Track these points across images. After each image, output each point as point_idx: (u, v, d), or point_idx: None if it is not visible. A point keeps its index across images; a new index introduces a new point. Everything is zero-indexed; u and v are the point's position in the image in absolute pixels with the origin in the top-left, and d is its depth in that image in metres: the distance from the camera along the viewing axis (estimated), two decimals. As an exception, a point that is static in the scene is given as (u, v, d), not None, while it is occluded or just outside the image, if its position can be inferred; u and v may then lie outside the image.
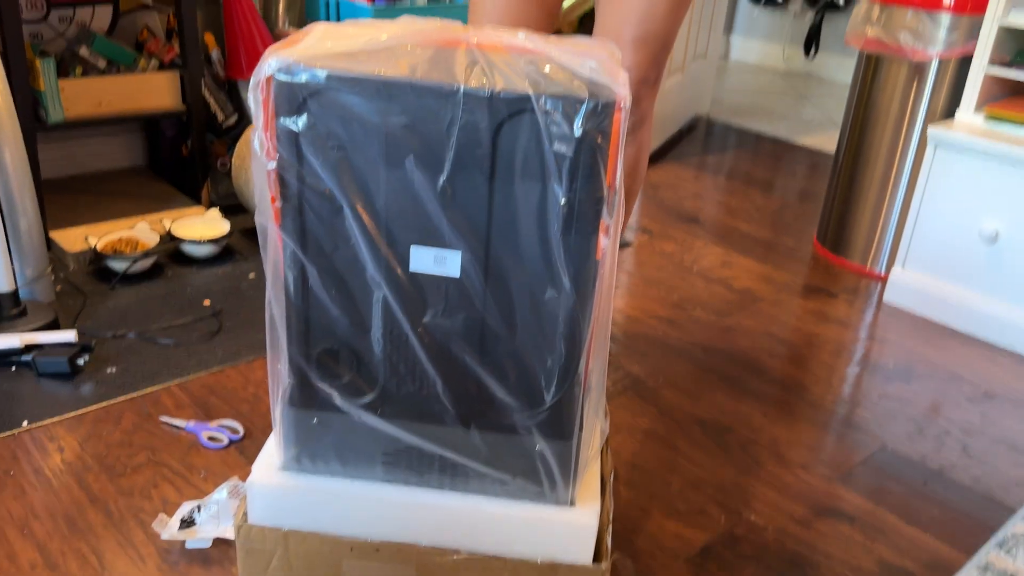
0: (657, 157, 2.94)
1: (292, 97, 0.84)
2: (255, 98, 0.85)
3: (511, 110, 0.82)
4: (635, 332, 1.79)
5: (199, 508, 1.18)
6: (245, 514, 1.05)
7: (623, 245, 2.22)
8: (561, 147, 0.83)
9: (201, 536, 1.15)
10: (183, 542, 1.15)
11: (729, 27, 4.62)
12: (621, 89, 0.83)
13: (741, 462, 1.41)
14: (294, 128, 0.85)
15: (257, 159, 0.87)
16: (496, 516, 1.01)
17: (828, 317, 1.92)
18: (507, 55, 0.87)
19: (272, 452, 1.07)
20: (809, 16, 4.26)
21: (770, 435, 1.48)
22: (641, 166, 1.47)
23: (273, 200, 0.89)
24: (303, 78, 0.83)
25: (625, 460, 1.39)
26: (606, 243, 0.90)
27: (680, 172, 2.82)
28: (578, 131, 0.82)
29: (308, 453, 1.03)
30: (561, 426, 0.98)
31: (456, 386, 0.97)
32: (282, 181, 0.88)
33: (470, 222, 0.89)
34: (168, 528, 1.15)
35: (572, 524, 1.00)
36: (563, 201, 0.86)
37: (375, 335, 0.96)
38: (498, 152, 0.85)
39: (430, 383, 0.97)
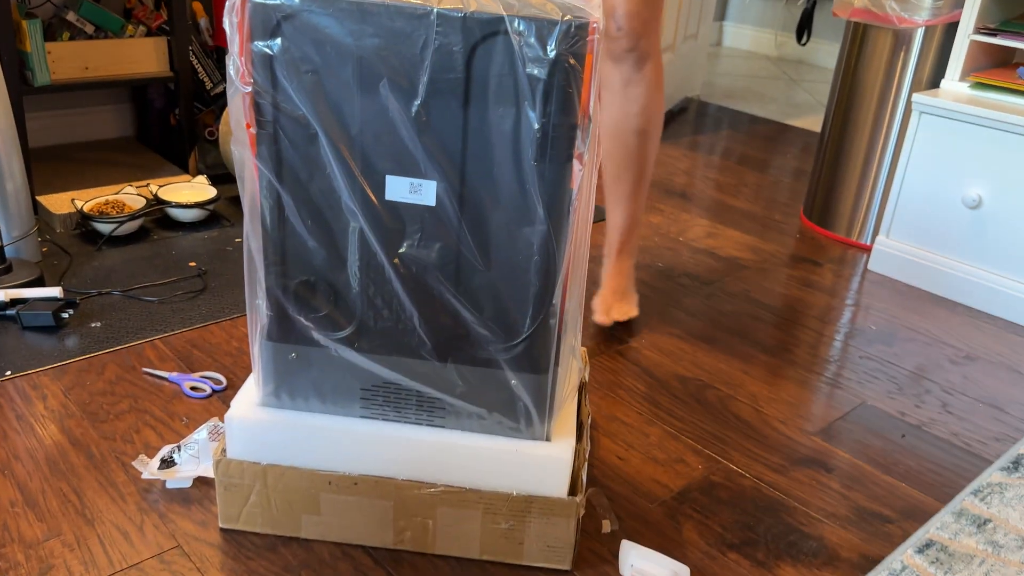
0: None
1: (267, 19, 0.84)
2: (230, 22, 0.85)
3: (484, 32, 0.83)
4: (620, 296, 1.80)
5: (179, 448, 1.18)
6: (224, 450, 1.06)
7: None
8: (534, 70, 0.84)
9: (181, 476, 1.15)
10: (163, 482, 1.16)
11: (721, 13, 4.64)
12: (595, 11, 0.83)
13: (720, 416, 1.41)
14: (268, 51, 0.86)
15: (232, 84, 0.88)
16: (472, 450, 1.02)
17: (812, 284, 1.93)
18: None
19: (251, 389, 1.08)
20: (801, 2, 4.27)
21: (750, 392, 1.49)
22: (655, 107, 1.46)
23: (248, 127, 0.90)
24: (277, 0, 0.84)
25: (605, 413, 1.40)
26: (580, 172, 0.91)
27: (670, 151, 2.83)
28: (551, 53, 0.83)
29: (287, 388, 1.04)
30: (536, 359, 0.98)
31: (432, 319, 0.98)
32: (257, 107, 0.89)
33: (445, 150, 0.89)
34: (148, 467, 1.16)
35: (547, 457, 1.01)
36: (537, 127, 0.86)
37: (351, 267, 0.96)
38: (472, 76, 0.85)
39: (407, 316, 0.98)
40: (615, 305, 1.62)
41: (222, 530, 1.08)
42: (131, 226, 1.85)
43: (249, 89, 0.87)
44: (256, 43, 0.85)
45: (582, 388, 1.20)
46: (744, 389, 1.50)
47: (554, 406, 1.02)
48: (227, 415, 1.04)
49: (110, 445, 1.23)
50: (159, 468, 1.15)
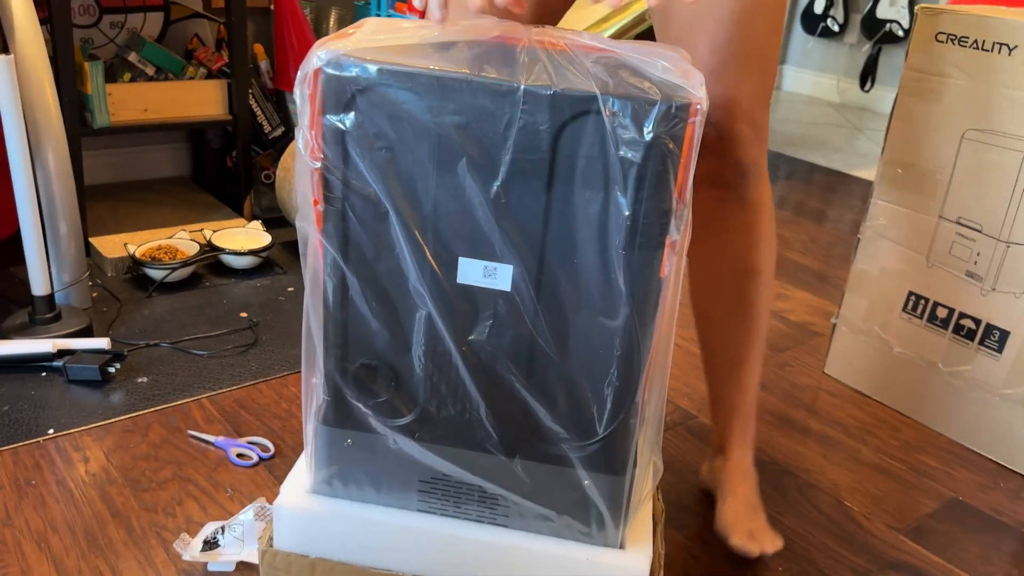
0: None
1: (340, 92, 0.78)
2: (301, 93, 0.79)
3: (575, 111, 0.76)
4: (685, 364, 1.70)
5: (223, 529, 1.11)
6: (271, 538, 0.99)
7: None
8: (628, 152, 0.76)
9: (224, 559, 1.08)
10: (205, 564, 1.09)
11: (782, 57, 4.54)
12: (697, 91, 0.76)
13: (800, 508, 1.31)
14: (341, 126, 0.79)
15: (301, 159, 0.82)
16: (539, 555, 0.93)
17: (890, 356, 1.81)
18: (570, 53, 0.80)
19: (302, 473, 1.00)
20: (866, 47, 4.16)
21: (831, 480, 1.38)
22: (771, 240, 1.13)
23: (316, 203, 0.83)
24: (353, 72, 0.78)
25: (674, 500, 1.30)
26: (671, 262, 0.82)
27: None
28: (648, 135, 0.75)
29: (340, 476, 0.96)
30: (613, 460, 0.90)
31: (501, 411, 0.90)
32: (326, 182, 0.82)
33: (524, 233, 0.82)
34: (190, 549, 1.09)
35: (622, 568, 0.92)
36: (627, 213, 0.78)
37: (416, 352, 0.89)
38: (558, 157, 0.78)
39: (473, 406, 0.90)
40: (755, 527, 1.17)
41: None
42: (183, 272, 1.81)
43: (319, 165, 0.81)
44: (328, 116, 0.79)
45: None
46: (825, 477, 1.39)
47: (630, 510, 0.93)
48: (276, 503, 0.97)
49: (151, 518, 1.17)
50: (201, 551, 1.08)
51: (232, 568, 1.09)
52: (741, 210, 1.07)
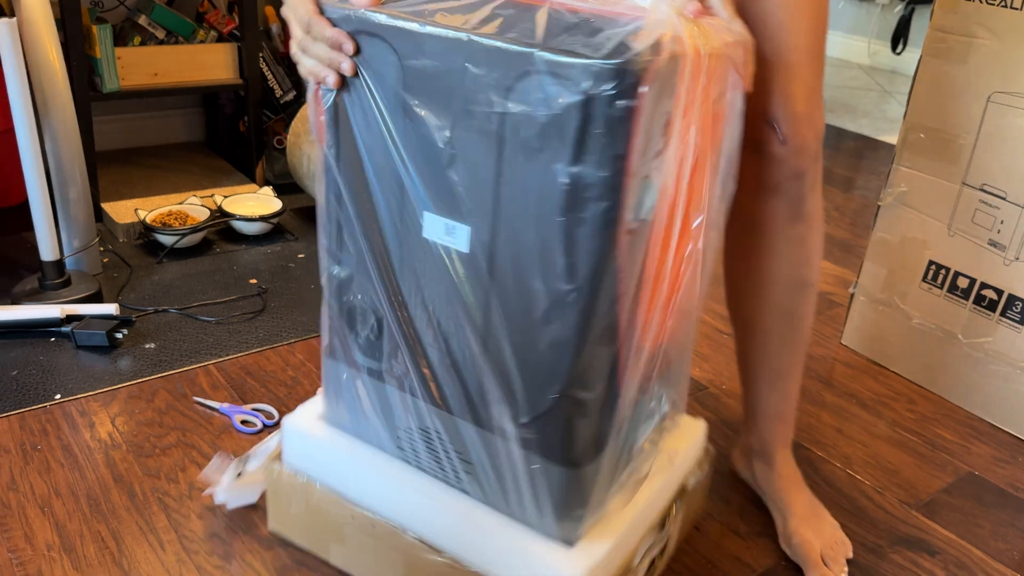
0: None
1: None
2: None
3: (515, 67, 0.70)
4: (696, 333, 1.67)
5: (248, 457, 1.13)
6: (280, 453, 1.02)
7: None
8: (565, 113, 0.70)
9: (248, 483, 1.09)
10: (205, 524, 1.09)
11: (812, 20, 4.42)
12: (662, 54, 0.69)
13: (810, 481, 1.28)
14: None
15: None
16: (486, 530, 0.90)
17: (910, 326, 1.77)
18: (557, 10, 0.75)
19: (319, 400, 1.02)
20: (898, 8, 4.04)
21: (843, 453, 1.36)
22: (821, 249, 1.07)
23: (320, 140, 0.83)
24: (334, 16, 0.77)
25: (681, 470, 1.28)
26: (636, 248, 0.76)
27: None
28: (585, 95, 0.68)
29: (343, 408, 0.97)
30: (556, 447, 0.83)
31: (460, 375, 0.86)
32: (326, 126, 0.82)
33: (479, 193, 0.77)
34: (223, 482, 1.11)
35: (549, 568, 0.87)
36: (564, 180, 0.72)
37: (385, 302, 0.87)
38: (507, 116, 0.73)
39: (433, 366, 0.87)
40: (824, 543, 1.11)
41: (272, 534, 1.03)
42: (193, 238, 1.80)
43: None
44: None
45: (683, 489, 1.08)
46: (837, 450, 1.36)
47: (587, 506, 0.87)
48: (285, 419, 1.01)
49: (153, 484, 1.17)
50: (231, 480, 1.10)
51: (256, 498, 1.10)
52: (796, 222, 1.01)
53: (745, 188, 1.00)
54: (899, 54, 4.08)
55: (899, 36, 4.04)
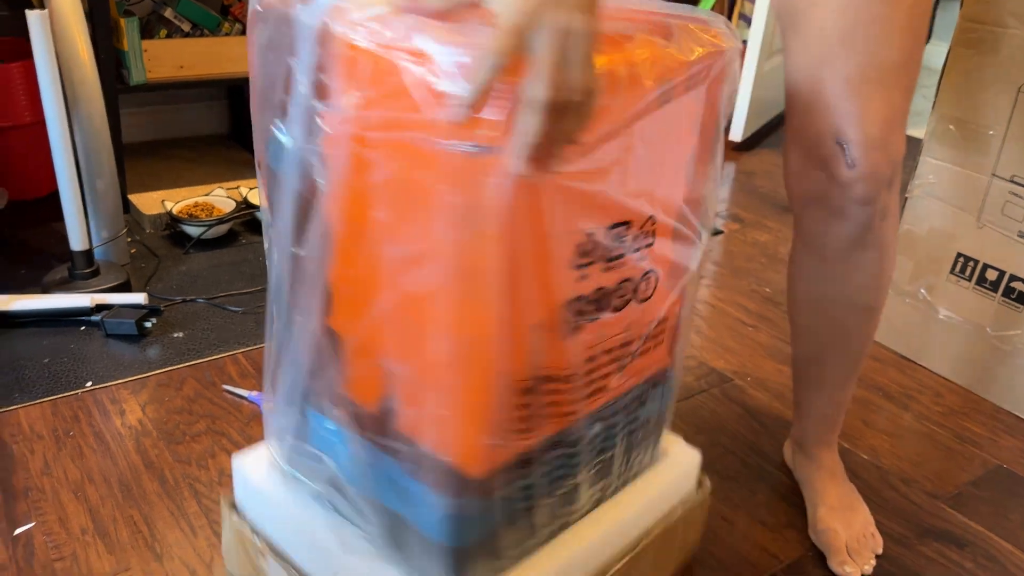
0: (754, 143, 2.79)
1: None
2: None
3: None
4: (721, 326, 1.67)
5: None
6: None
7: (712, 233, 2.09)
8: None
9: None
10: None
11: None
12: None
13: (836, 472, 1.28)
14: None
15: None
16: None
17: (936, 320, 1.76)
18: None
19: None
20: (922, 2, 4.00)
21: (870, 445, 1.35)
22: (890, 275, 1.02)
23: None
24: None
25: (707, 463, 1.28)
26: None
27: (778, 159, 2.66)
28: None
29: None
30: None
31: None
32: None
33: None
34: None
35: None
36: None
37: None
38: None
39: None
40: (851, 536, 1.11)
41: None
42: (220, 229, 1.82)
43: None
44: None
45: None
46: (863, 441, 1.36)
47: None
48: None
49: (184, 470, 1.18)
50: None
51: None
52: (861, 249, 0.95)
53: (809, 205, 0.96)
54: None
55: (923, 29, 4.00)
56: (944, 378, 1.55)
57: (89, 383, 1.35)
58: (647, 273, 0.80)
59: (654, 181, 0.76)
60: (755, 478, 1.25)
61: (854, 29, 0.83)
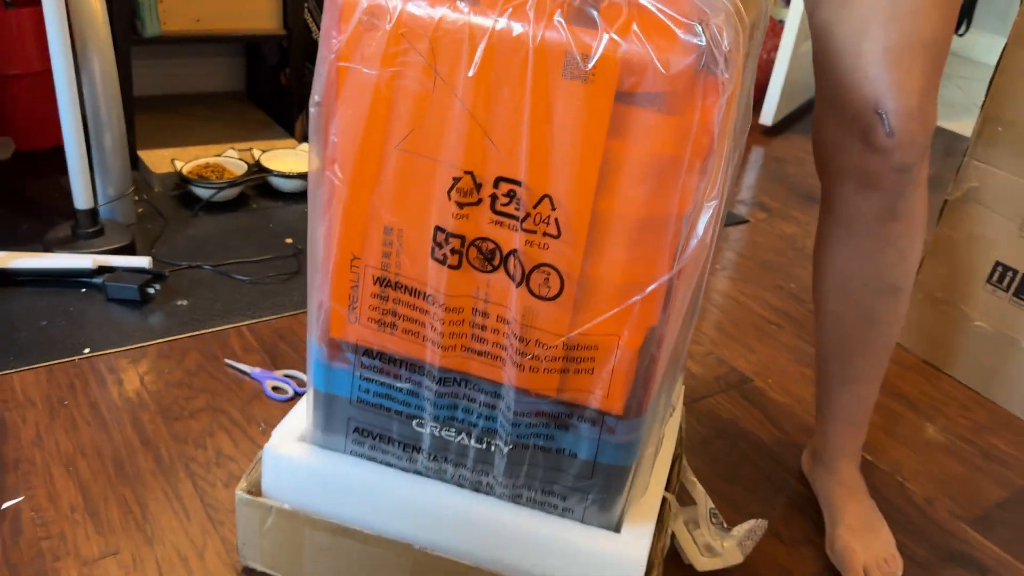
0: (783, 128, 2.71)
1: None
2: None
3: None
4: (743, 321, 1.61)
5: None
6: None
7: (737, 222, 2.02)
8: None
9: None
10: (232, 497, 1.06)
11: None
12: None
13: (857, 486, 1.23)
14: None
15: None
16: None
17: (966, 327, 1.69)
18: None
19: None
20: (964, -12, 3.87)
21: (892, 459, 1.30)
22: (918, 254, 1.00)
23: None
24: None
25: (724, 470, 1.23)
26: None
27: (805, 146, 2.58)
28: None
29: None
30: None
31: None
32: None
33: None
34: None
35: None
36: None
37: None
38: None
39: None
40: (869, 558, 1.06)
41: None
42: (230, 193, 1.76)
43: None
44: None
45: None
46: (886, 455, 1.30)
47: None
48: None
49: (180, 449, 1.14)
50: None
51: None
52: (892, 220, 0.95)
53: (842, 177, 0.95)
54: (962, 35, 3.92)
55: (963, 16, 3.87)
56: (972, 390, 1.49)
57: (87, 350, 1.30)
58: (518, 255, 0.74)
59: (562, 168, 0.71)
60: (773, 488, 1.20)
61: (897, 1, 0.84)
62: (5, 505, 1.02)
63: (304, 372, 1.31)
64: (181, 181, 1.77)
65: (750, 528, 1.02)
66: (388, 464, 0.89)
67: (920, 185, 0.94)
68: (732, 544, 1.01)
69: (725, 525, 1.02)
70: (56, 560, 0.96)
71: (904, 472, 1.27)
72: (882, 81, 0.85)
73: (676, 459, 1.02)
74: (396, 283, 0.80)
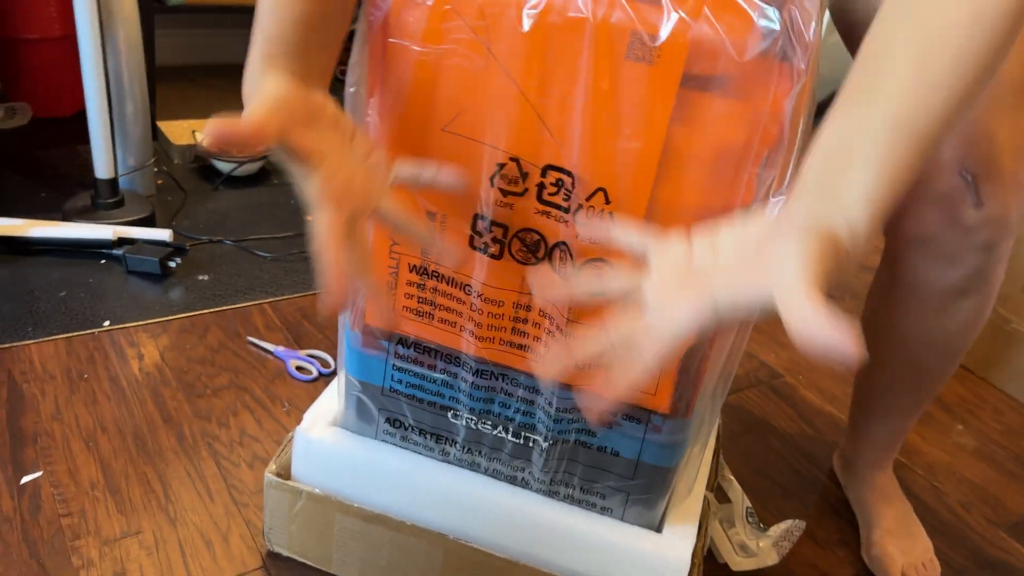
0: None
1: None
2: None
3: None
4: (773, 317, 1.58)
5: None
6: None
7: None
8: None
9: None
10: (256, 478, 1.03)
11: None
12: None
13: (891, 488, 1.20)
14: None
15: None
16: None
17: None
18: None
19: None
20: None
21: (927, 462, 1.27)
22: (983, 322, 0.88)
23: None
24: None
25: (754, 468, 1.20)
26: None
27: (832, 140, 2.54)
28: None
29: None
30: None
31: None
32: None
33: None
34: None
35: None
36: None
37: None
38: None
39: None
40: (907, 563, 1.02)
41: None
42: (252, 167, 1.73)
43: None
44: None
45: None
46: (920, 457, 1.28)
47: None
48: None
49: (203, 427, 1.11)
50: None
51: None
52: (967, 296, 0.81)
53: (910, 243, 0.81)
54: None
55: None
56: (1007, 394, 1.46)
57: (107, 322, 1.27)
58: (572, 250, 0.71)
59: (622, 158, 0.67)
60: (806, 487, 1.17)
61: None
62: (25, 479, 0.99)
63: (328, 353, 1.28)
64: (202, 153, 1.73)
65: (787, 528, 1.00)
66: (420, 454, 0.87)
67: (1004, 260, 0.79)
68: (768, 544, 0.99)
69: (761, 525, 1.00)
70: (76, 538, 0.93)
71: (938, 476, 1.25)
72: (968, 136, 0.71)
73: (715, 455, 1.00)
74: (435, 272, 0.77)
